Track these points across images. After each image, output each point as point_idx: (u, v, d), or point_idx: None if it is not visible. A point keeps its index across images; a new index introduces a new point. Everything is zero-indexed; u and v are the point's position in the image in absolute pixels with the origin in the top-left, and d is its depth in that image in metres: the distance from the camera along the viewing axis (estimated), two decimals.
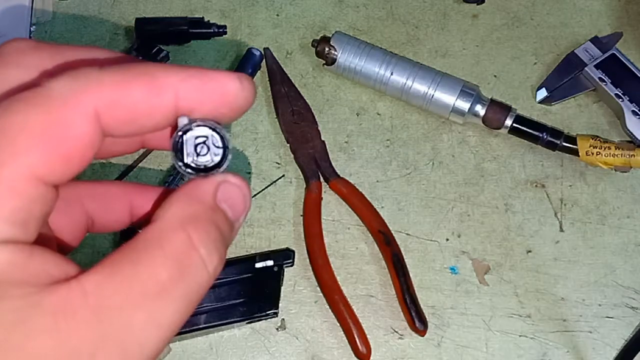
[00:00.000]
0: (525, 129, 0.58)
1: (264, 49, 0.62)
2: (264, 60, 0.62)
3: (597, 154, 0.57)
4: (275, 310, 0.52)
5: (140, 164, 0.59)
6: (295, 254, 0.55)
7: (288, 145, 0.59)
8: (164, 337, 0.20)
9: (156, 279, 0.20)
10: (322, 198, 0.57)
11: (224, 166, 0.23)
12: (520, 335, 0.54)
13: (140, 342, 0.19)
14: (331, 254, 0.56)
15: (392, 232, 0.56)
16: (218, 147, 0.23)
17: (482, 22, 0.65)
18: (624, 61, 0.60)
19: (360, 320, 0.53)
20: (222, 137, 0.23)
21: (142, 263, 0.20)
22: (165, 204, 0.22)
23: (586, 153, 0.57)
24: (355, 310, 0.54)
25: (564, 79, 0.61)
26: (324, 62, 0.61)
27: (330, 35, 0.61)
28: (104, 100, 0.20)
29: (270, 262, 0.54)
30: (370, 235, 0.57)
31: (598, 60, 0.60)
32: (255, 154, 0.59)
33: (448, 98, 0.58)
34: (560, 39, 0.64)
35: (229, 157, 0.23)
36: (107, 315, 0.18)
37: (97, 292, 0.19)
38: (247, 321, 0.53)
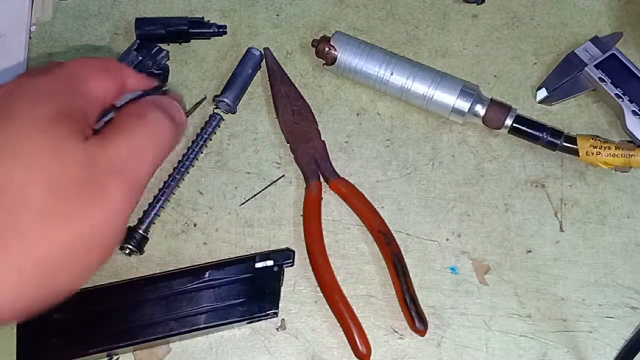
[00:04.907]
0: (525, 129, 0.58)
1: (264, 49, 0.62)
2: (264, 60, 0.62)
3: (597, 154, 0.57)
4: (275, 310, 0.52)
5: None
6: (295, 254, 0.55)
7: (288, 145, 0.59)
8: (146, 171, 0.34)
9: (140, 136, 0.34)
10: (322, 198, 0.57)
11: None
12: (520, 335, 0.54)
13: (133, 168, 0.33)
14: (331, 254, 0.56)
15: (392, 232, 0.56)
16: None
17: (482, 22, 0.65)
18: (624, 61, 0.60)
19: (360, 320, 0.53)
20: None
21: (132, 127, 0.34)
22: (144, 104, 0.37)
23: (586, 153, 0.57)
24: (355, 310, 0.54)
25: (564, 79, 0.61)
26: (324, 62, 0.61)
27: (330, 35, 0.61)
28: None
29: (270, 262, 0.54)
30: (370, 235, 0.57)
31: (598, 60, 0.60)
32: (255, 154, 0.59)
33: (448, 98, 0.58)
34: (560, 39, 0.64)
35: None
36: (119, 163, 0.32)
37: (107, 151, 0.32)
38: (247, 321, 0.53)
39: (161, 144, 0.35)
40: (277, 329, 0.54)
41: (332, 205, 0.58)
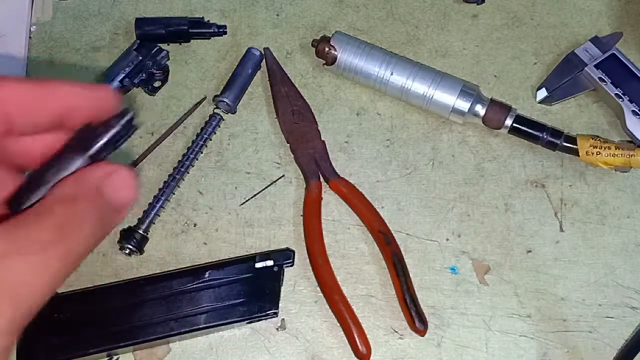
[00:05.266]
0: (525, 129, 0.58)
1: (264, 49, 0.62)
2: (264, 60, 0.62)
3: (597, 154, 0.57)
4: (275, 310, 0.52)
5: (140, 163, 0.59)
6: (295, 254, 0.55)
7: (288, 145, 0.59)
8: (43, 286, 0.24)
9: (40, 239, 0.25)
10: (322, 198, 0.57)
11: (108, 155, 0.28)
12: (520, 335, 0.54)
13: (23, 284, 0.24)
14: (331, 254, 0.56)
15: (392, 232, 0.56)
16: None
17: (482, 22, 0.65)
18: (624, 61, 0.60)
19: (360, 320, 0.53)
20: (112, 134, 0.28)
21: (31, 227, 0.25)
22: (59, 183, 0.27)
23: (586, 153, 0.57)
24: (355, 310, 0.54)
25: (564, 79, 0.61)
26: (324, 62, 0.61)
27: (330, 35, 0.61)
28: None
29: (270, 262, 0.54)
30: (370, 235, 0.57)
31: (598, 60, 0.60)
32: (255, 154, 0.59)
33: (448, 98, 0.58)
34: (560, 39, 0.64)
35: (111, 150, 0.29)
36: None
37: None
38: (247, 321, 0.53)
39: (77, 259, 0.26)
40: (277, 329, 0.54)
41: (332, 205, 0.58)
